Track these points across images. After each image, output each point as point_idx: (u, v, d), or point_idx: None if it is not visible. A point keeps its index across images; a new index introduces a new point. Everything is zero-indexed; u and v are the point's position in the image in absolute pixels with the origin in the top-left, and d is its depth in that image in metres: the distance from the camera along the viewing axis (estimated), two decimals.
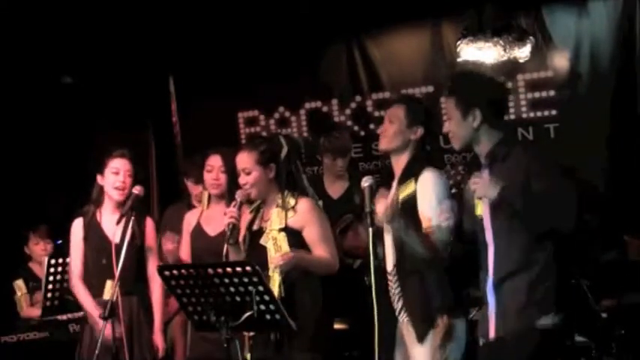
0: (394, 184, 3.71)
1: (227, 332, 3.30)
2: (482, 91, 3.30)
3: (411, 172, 3.62)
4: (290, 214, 3.73)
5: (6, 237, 6.13)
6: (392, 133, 3.67)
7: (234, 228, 3.73)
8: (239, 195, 3.79)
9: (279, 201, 3.78)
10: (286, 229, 3.71)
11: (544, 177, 3.09)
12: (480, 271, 3.29)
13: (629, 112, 5.71)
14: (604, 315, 4.79)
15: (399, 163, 3.69)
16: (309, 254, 3.71)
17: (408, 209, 3.51)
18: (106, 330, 3.96)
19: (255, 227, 3.86)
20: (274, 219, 3.75)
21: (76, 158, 6.41)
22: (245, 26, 6.31)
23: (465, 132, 3.28)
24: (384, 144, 3.71)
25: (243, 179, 3.81)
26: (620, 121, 5.74)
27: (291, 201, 3.76)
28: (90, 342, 4.24)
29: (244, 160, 3.83)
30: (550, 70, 6.00)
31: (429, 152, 3.71)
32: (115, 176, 4.31)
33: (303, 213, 3.74)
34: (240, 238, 3.83)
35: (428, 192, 3.51)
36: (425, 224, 3.48)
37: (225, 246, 3.74)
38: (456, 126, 3.29)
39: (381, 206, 3.42)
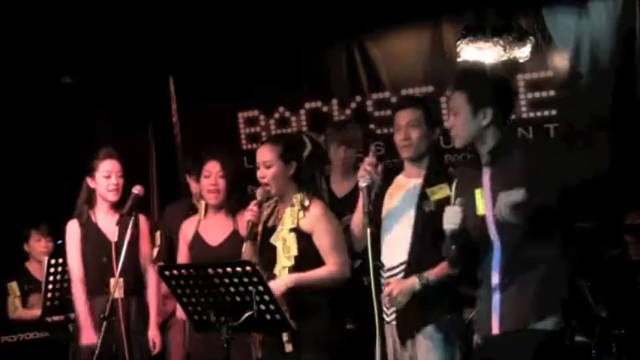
0: (401, 177, 3.78)
1: (227, 332, 3.30)
2: (497, 89, 3.21)
3: (440, 175, 3.70)
4: (301, 214, 3.72)
5: (4, 236, 6.13)
6: (416, 139, 3.72)
7: (254, 226, 3.74)
8: (259, 193, 3.79)
9: (294, 200, 3.77)
10: (297, 231, 3.71)
11: (546, 176, 3.03)
12: (478, 268, 3.25)
13: (629, 112, 5.70)
14: (604, 315, 4.79)
15: (420, 165, 3.75)
16: (307, 275, 3.66)
17: (442, 213, 3.53)
18: (105, 329, 3.97)
19: (269, 224, 3.86)
20: (287, 218, 3.74)
21: (75, 158, 6.41)
22: (245, 26, 6.31)
23: (471, 129, 3.17)
24: (411, 152, 3.75)
25: (262, 172, 3.80)
26: (620, 121, 5.73)
27: (305, 201, 3.74)
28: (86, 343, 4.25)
29: (266, 153, 3.81)
30: (550, 70, 5.99)
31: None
32: (107, 180, 4.35)
33: (313, 216, 3.72)
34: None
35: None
36: None
37: (245, 244, 3.75)
38: (463, 123, 3.18)
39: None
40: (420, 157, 3.76)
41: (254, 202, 3.78)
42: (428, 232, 3.58)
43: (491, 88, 3.20)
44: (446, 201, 3.50)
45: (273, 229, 3.81)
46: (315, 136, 4.28)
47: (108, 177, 4.34)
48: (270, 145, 3.84)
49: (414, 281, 3.54)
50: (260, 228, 3.86)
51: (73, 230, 4.39)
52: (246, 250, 3.78)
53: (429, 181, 3.69)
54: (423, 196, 3.66)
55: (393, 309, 3.64)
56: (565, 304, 3.09)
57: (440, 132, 3.80)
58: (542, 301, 3.06)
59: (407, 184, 3.75)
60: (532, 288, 3.07)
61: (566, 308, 3.09)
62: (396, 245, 3.65)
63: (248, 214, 3.75)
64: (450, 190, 3.52)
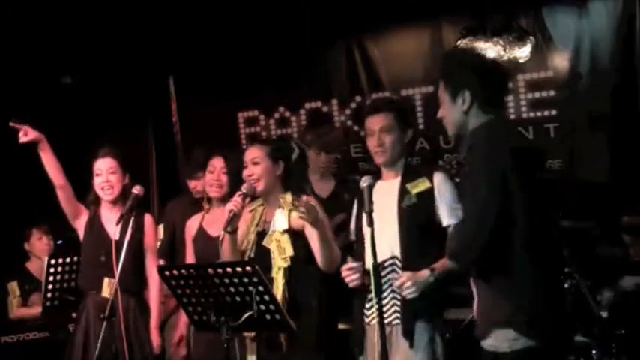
0: (380, 182, 3.73)
1: (227, 332, 3.30)
2: (473, 71, 3.03)
3: (417, 171, 3.74)
4: (293, 214, 3.71)
5: (4, 236, 6.13)
6: (390, 144, 3.72)
7: (235, 216, 3.71)
8: (245, 187, 3.78)
9: (281, 201, 3.77)
10: (289, 231, 3.70)
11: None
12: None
13: (629, 112, 5.70)
14: (604, 315, 4.79)
15: (396, 167, 3.76)
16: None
17: (425, 204, 3.59)
18: (105, 329, 3.97)
19: (259, 228, 3.84)
20: (278, 220, 3.74)
21: (75, 158, 6.42)
22: (245, 26, 6.32)
23: (455, 115, 3.04)
24: (386, 158, 3.75)
25: (249, 170, 3.80)
26: (620, 121, 5.73)
27: (295, 202, 3.73)
28: (83, 342, 4.25)
29: (254, 151, 3.84)
30: (550, 70, 5.99)
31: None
32: (99, 178, 4.40)
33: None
34: (240, 235, 3.82)
35: (445, 195, 3.62)
36: (444, 223, 3.60)
37: (222, 233, 3.71)
38: (447, 110, 3.06)
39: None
40: (395, 161, 3.77)
41: (238, 193, 3.77)
42: (414, 225, 3.60)
43: (465, 70, 3.05)
44: (428, 192, 3.58)
45: (262, 233, 3.80)
46: (300, 143, 4.26)
47: (99, 175, 4.39)
48: (258, 145, 3.90)
49: (426, 274, 3.46)
50: (243, 229, 3.84)
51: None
52: (224, 242, 3.72)
53: (407, 178, 3.71)
54: (403, 192, 3.67)
55: (373, 309, 3.62)
56: (534, 314, 2.81)
57: (412, 134, 3.81)
58: (495, 311, 2.85)
59: (386, 186, 3.74)
60: (489, 296, 2.88)
61: (536, 320, 2.80)
62: (381, 242, 3.61)
63: (230, 205, 3.71)
64: (430, 182, 3.59)
